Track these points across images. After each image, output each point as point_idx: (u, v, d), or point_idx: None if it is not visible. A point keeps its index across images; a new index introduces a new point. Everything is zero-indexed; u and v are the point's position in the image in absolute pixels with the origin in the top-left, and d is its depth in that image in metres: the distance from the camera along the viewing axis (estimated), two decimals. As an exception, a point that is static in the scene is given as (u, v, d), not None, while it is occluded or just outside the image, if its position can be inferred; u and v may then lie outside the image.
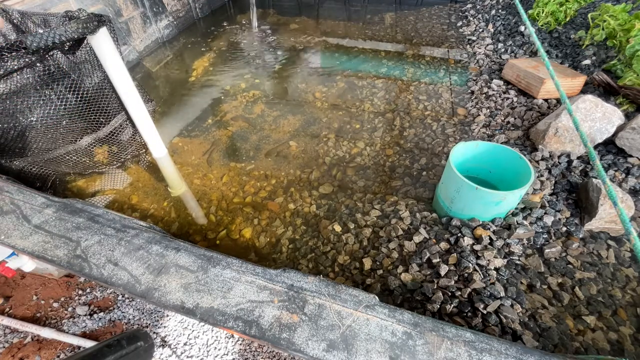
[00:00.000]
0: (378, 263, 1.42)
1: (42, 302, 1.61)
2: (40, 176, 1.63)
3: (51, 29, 1.05)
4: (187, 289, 0.92)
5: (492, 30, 3.20)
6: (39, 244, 1.03)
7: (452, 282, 1.26)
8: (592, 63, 2.29)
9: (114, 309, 1.57)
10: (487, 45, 3.00)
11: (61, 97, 1.49)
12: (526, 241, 1.42)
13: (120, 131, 1.68)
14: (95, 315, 1.55)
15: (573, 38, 2.57)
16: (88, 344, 1.45)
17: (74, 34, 1.09)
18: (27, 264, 1.37)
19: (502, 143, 1.94)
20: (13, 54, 1.02)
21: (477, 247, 1.35)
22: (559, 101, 2.11)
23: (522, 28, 2.93)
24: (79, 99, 1.53)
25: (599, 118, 1.70)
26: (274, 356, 1.42)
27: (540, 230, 1.46)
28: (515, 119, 2.10)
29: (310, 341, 0.81)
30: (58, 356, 1.46)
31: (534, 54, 2.65)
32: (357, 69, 2.97)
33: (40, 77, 1.42)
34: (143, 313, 1.56)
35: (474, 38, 3.22)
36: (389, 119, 2.36)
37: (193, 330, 1.49)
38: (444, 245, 1.39)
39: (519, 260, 1.36)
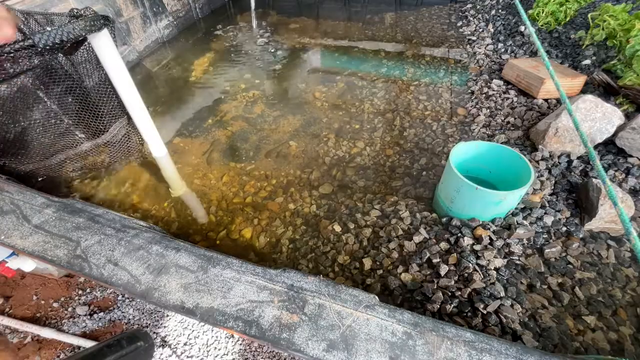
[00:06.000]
0: (378, 263, 1.42)
1: (42, 302, 1.61)
2: (39, 176, 1.63)
3: (59, 26, 1.05)
4: (187, 289, 0.92)
5: (492, 30, 3.20)
6: (39, 244, 1.03)
7: (452, 282, 1.26)
8: (592, 63, 2.29)
9: (114, 309, 1.57)
10: (487, 45, 3.00)
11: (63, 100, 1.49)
12: (526, 241, 1.42)
13: (120, 131, 1.68)
14: (95, 315, 1.55)
15: (573, 38, 2.57)
16: (88, 344, 1.45)
17: (82, 32, 1.09)
18: (27, 264, 1.37)
19: (502, 143, 1.94)
20: (22, 52, 1.01)
21: (477, 247, 1.35)
22: (559, 101, 2.11)
23: (522, 28, 2.93)
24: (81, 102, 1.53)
25: (599, 118, 1.70)
26: (274, 356, 1.42)
27: (540, 230, 1.46)
28: (515, 119, 2.10)
29: (310, 341, 0.81)
30: (58, 356, 1.46)
31: (534, 54, 2.65)
32: (357, 69, 2.97)
33: (40, 80, 1.42)
34: (143, 313, 1.56)
35: (474, 38, 3.22)
36: (388, 119, 2.36)
37: (193, 330, 1.49)
38: (444, 245, 1.39)
39: (519, 260, 1.36)
